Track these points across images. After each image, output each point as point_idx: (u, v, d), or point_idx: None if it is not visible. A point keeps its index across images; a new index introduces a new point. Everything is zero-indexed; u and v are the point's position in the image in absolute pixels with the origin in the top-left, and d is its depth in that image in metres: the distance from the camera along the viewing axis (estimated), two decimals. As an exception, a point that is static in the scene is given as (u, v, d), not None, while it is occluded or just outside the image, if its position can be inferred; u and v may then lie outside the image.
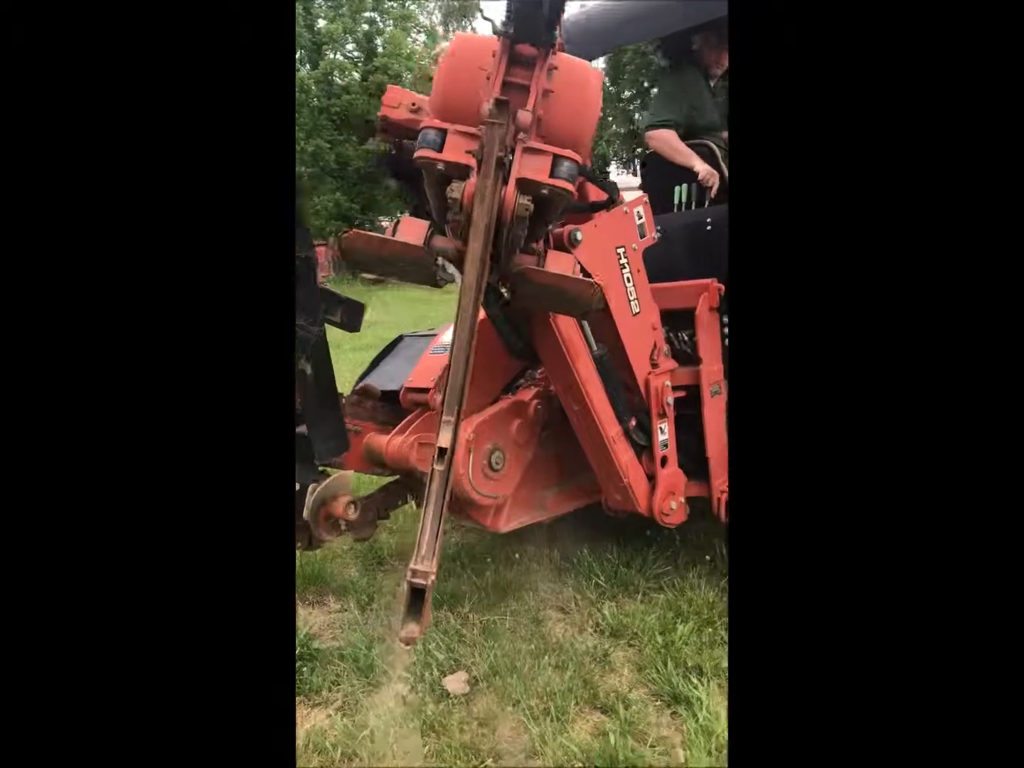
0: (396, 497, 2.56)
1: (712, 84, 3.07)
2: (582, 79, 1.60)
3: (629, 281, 2.32)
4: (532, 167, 1.52)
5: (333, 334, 1.98)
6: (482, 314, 2.45)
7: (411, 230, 1.71)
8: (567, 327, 2.21)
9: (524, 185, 1.50)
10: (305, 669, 2.08)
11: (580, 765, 1.71)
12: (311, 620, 2.41)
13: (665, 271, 2.50)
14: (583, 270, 1.88)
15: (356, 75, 22.40)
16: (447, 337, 2.52)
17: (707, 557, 2.70)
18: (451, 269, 1.82)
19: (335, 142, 21.04)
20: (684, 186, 2.74)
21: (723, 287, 2.50)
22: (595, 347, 2.27)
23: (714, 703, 1.89)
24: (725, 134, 2.96)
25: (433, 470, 1.39)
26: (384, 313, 11.26)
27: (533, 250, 1.76)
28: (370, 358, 2.97)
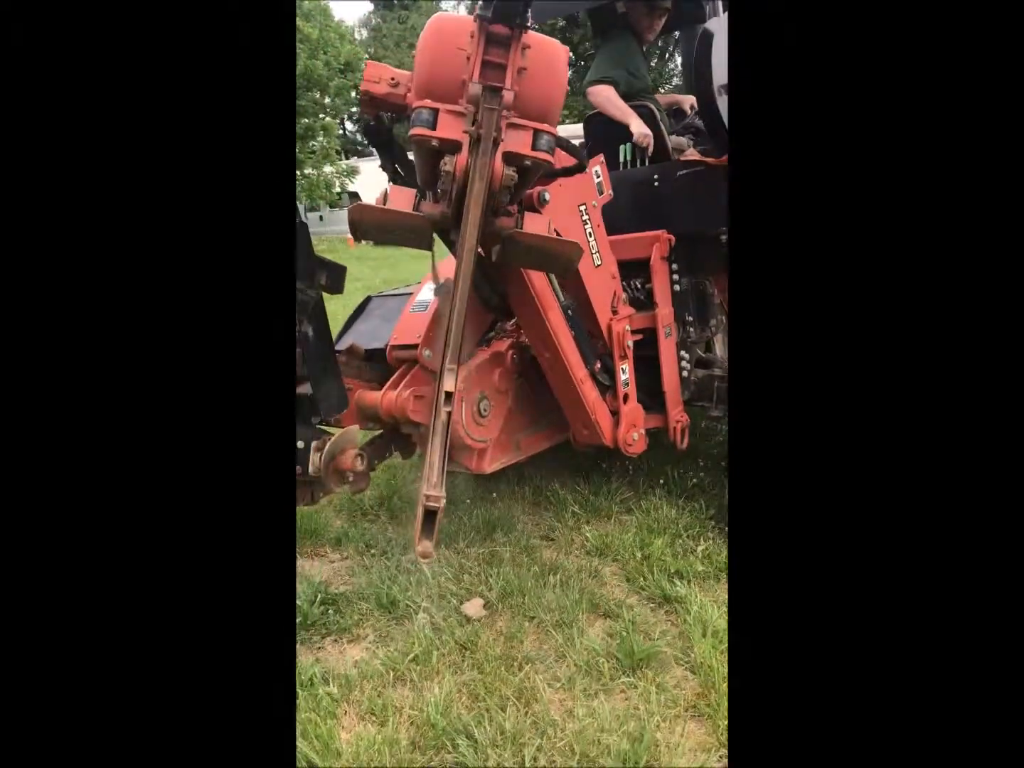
0: (383, 450, 2.69)
1: (644, 49, 3.28)
2: (552, 56, 1.79)
3: (591, 236, 2.54)
4: (516, 141, 1.75)
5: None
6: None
7: (400, 198, 1.90)
8: (540, 282, 2.41)
9: (510, 158, 1.73)
10: (331, 611, 2.22)
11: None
12: (317, 570, 2.53)
13: (617, 225, 2.73)
14: (555, 229, 2.10)
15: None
16: (424, 295, 2.64)
17: (660, 481, 3.04)
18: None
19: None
20: (628, 145, 2.95)
21: (673, 238, 2.77)
22: (562, 298, 2.50)
23: (699, 599, 2.21)
24: (661, 97, 3.20)
25: (438, 410, 1.61)
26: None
27: (510, 213, 1.96)
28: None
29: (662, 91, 4.61)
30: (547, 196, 2.21)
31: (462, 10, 37.24)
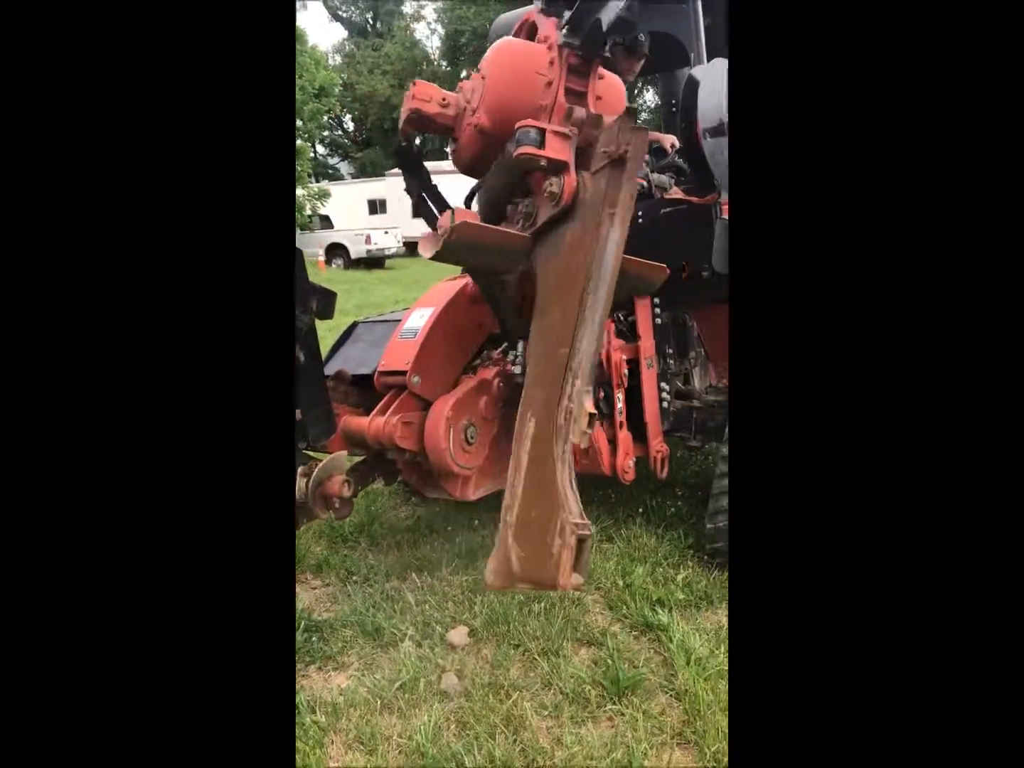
0: (366, 476, 2.70)
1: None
2: (619, 87, 1.91)
3: None
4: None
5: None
6: (451, 295, 2.65)
7: (470, 219, 1.93)
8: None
9: None
10: (314, 639, 2.20)
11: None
12: (299, 597, 2.50)
13: None
14: None
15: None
16: (413, 322, 2.67)
17: (640, 510, 3.08)
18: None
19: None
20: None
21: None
22: None
23: (680, 628, 2.25)
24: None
25: (560, 437, 1.60)
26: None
27: None
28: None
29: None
30: None
31: (435, 40, 37.90)
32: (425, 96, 2.13)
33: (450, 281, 2.82)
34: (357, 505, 3.06)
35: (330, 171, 37.89)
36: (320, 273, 17.33)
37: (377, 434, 2.41)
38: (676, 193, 2.83)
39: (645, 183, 1.92)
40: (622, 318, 2.91)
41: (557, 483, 1.60)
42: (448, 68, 34.04)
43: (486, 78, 2.07)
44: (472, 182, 2.40)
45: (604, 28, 1.82)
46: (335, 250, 21.34)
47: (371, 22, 40.66)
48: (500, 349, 2.77)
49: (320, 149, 36.89)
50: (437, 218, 2.39)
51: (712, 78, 2.54)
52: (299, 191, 21.54)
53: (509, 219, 2.17)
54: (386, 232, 21.31)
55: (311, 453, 2.38)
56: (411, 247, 21.42)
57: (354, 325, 3.04)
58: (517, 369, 2.56)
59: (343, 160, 39.26)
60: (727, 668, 2.03)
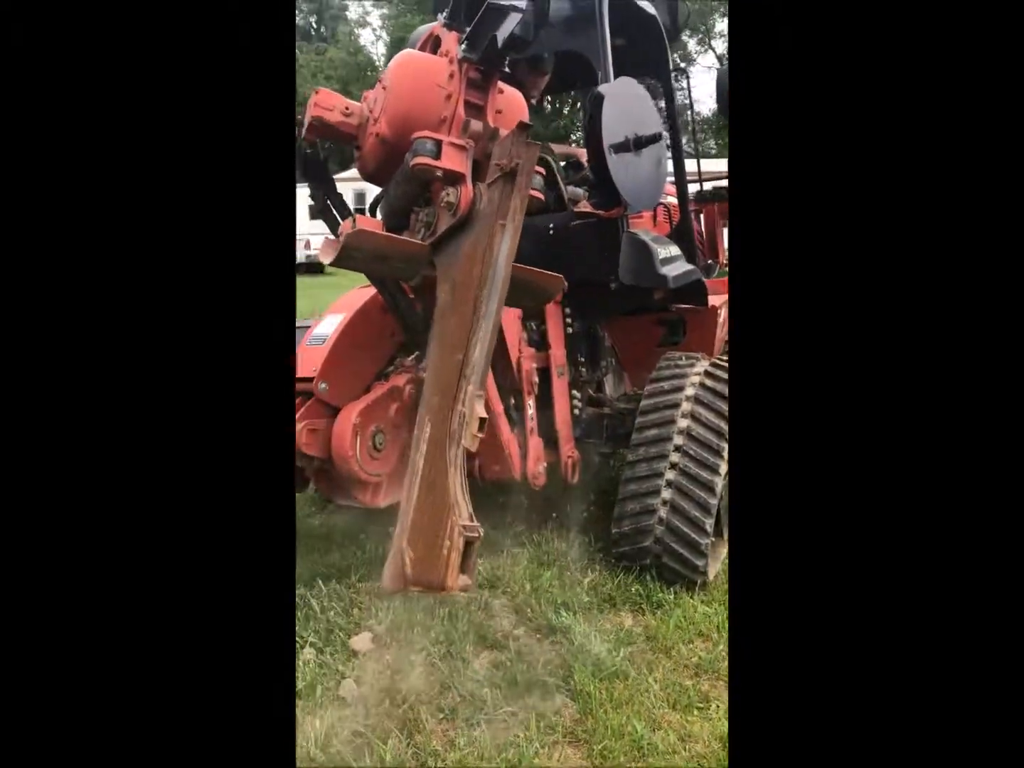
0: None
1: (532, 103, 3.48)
2: (519, 100, 1.98)
3: None
4: None
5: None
6: (362, 302, 2.66)
7: (371, 226, 1.97)
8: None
9: None
10: (213, 649, 2.18)
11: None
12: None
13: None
14: None
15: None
16: (322, 329, 2.67)
17: (554, 515, 3.14)
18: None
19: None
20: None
21: (566, 284, 2.91)
22: None
23: (582, 629, 2.30)
24: (556, 148, 3.39)
25: (454, 442, 1.62)
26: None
27: None
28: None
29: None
30: None
31: (380, 47, 37.76)
32: (328, 105, 2.14)
33: (363, 288, 2.83)
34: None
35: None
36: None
37: None
38: (585, 207, 2.91)
39: (542, 196, 1.97)
40: (533, 327, 2.96)
41: (448, 486, 1.63)
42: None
43: (387, 89, 2.10)
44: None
45: (499, 44, 1.87)
46: (273, 255, 20.95)
47: (314, 26, 40.27)
48: (413, 356, 2.79)
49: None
50: (340, 224, 2.40)
51: (617, 95, 2.62)
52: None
53: (412, 228, 2.20)
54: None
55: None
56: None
57: (266, 331, 3.01)
58: None
59: (284, 164, 38.66)
60: (622, 668, 2.10)
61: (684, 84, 3.94)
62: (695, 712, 1.94)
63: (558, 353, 2.92)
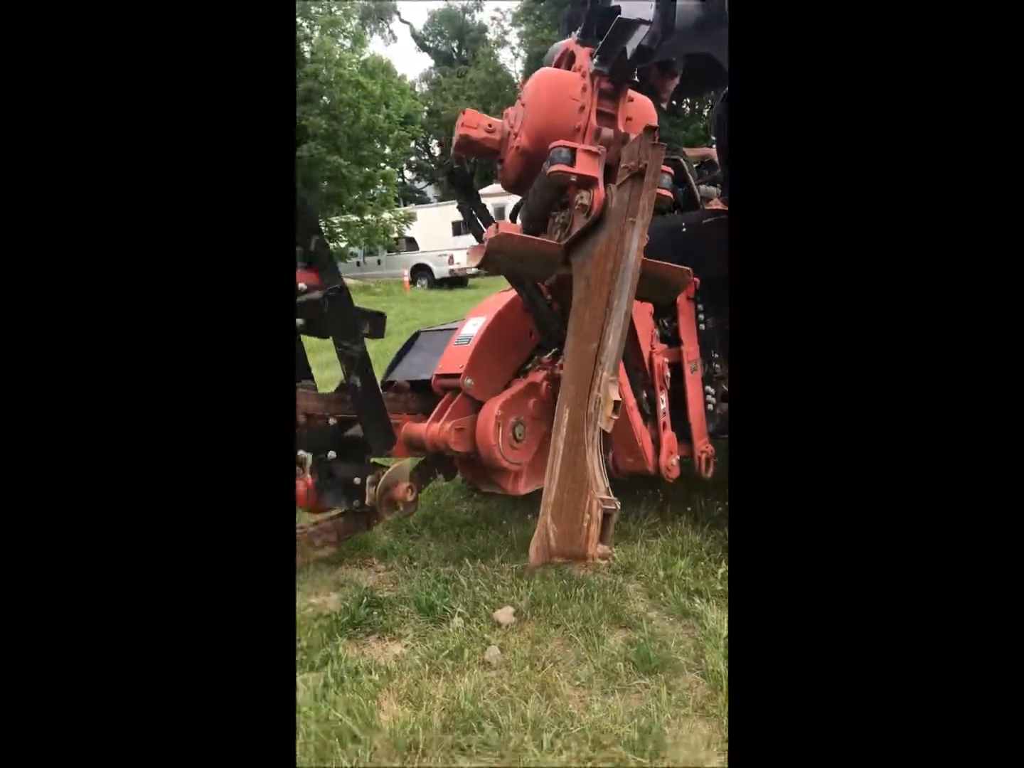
0: (428, 475, 2.97)
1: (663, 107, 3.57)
2: (648, 107, 2.15)
3: None
4: None
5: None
6: (502, 305, 2.88)
7: (511, 230, 2.20)
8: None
9: None
10: (375, 613, 2.44)
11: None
12: (364, 578, 2.77)
13: None
14: None
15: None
16: (468, 330, 2.91)
17: (688, 508, 3.19)
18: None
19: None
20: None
21: (698, 280, 2.98)
22: None
23: (716, 615, 2.36)
24: (689, 151, 3.46)
25: (591, 423, 1.78)
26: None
27: None
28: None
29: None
30: None
31: (519, 64, 38.77)
32: (472, 123, 2.38)
33: (503, 293, 3.05)
34: (422, 500, 3.31)
35: (416, 194, 39.24)
36: (404, 292, 18.02)
37: (433, 439, 2.65)
38: (716, 204, 2.97)
39: (670, 194, 2.09)
40: (665, 324, 3.05)
41: (587, 465, 1.79)
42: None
43: (526, 105, 2.30)
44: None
45: (628, 56, 2.02)
46: (420, 270, 22.13)
47: (456, 50, 42.00)
48: (549, 354, 2.97)
49: (407, 174, 38.27)
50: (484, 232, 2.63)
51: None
52: (386, 215, 22.49)
53: (549, 231, 2.39)
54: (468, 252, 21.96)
55: (378, 461, 2.66)
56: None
57: (416, 334, 3.30)
58: None
59: (429, 184, 40.57)
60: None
61: None
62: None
63: (691, 349, 2.99)
